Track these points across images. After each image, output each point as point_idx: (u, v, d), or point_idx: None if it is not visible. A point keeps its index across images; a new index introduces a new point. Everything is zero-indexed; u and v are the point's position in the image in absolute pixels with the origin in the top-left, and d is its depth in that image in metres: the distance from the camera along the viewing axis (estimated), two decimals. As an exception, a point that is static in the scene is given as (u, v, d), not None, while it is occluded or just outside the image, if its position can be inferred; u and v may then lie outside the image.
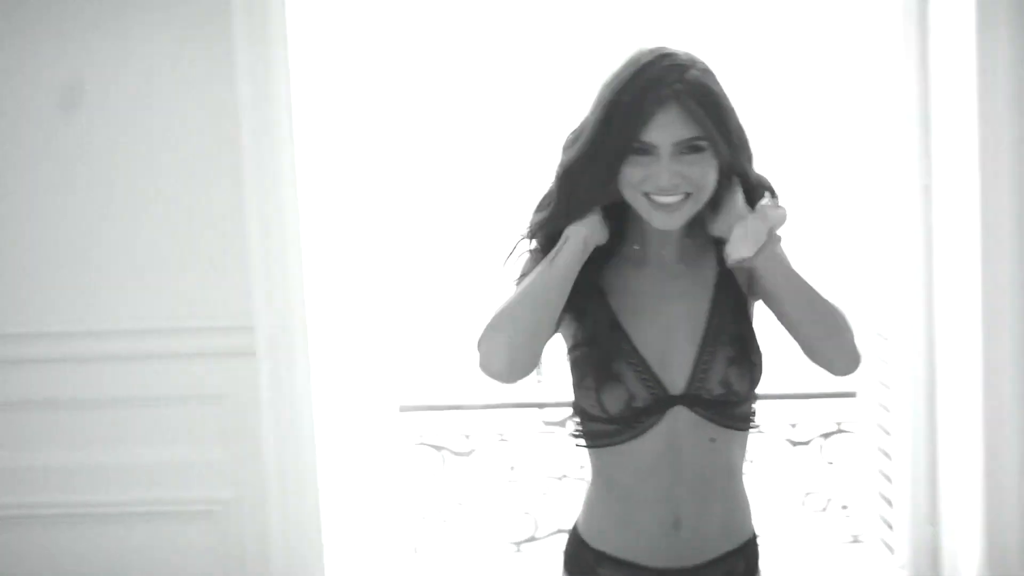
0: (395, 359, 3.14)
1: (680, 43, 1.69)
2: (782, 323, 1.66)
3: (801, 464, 3.37)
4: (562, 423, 3.38)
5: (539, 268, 1.60)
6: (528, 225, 1.68)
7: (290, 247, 2.72)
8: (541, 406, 3.51)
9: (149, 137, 2.81)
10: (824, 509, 3.33)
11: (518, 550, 3.49)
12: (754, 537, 1.75)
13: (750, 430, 1.68)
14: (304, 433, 2.78)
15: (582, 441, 1.69)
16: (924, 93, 2.77)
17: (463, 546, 3.51)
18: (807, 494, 3.35)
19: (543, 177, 1.75)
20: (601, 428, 1.65)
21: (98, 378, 2.90)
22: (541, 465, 3.52)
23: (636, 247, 1.69)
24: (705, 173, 1.58)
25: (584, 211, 1.61)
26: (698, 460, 1.65)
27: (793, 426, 3.36)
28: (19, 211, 2.88)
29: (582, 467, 2.88)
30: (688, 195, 1.58)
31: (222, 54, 2.70)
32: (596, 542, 1.72)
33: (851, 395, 3.14)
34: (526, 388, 3.85)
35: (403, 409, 3.27)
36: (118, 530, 2.95)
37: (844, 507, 3.31)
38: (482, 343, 1.59)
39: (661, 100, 1.55)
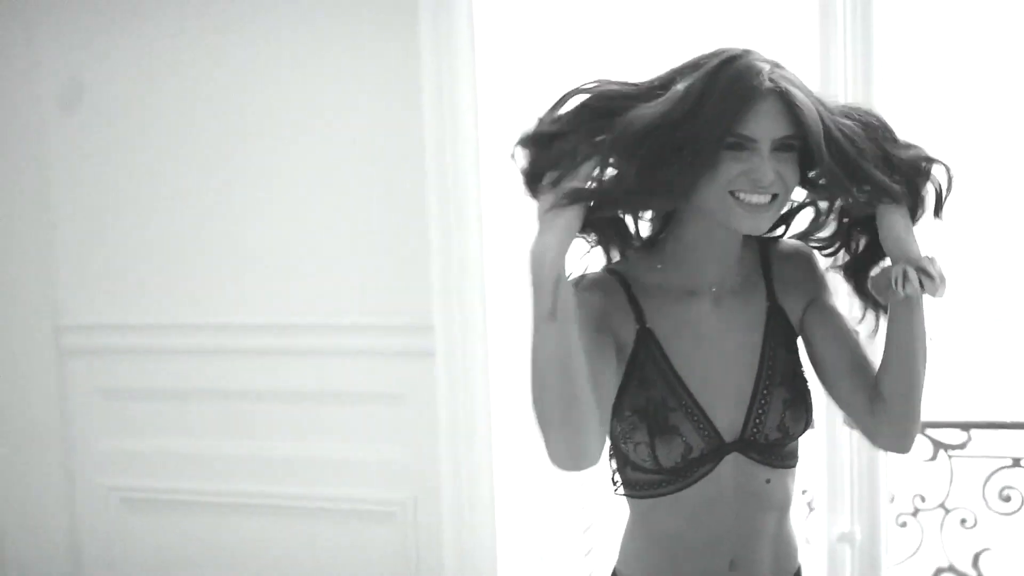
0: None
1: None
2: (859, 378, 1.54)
3: None
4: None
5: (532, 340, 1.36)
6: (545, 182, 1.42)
7: (470, 247, 2.68)
8: None
9: (337, 137, 2.83)
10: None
11: None
12: (799, 570, 1.68)
13: (794, 464, 1.60)
14: (480, 435, 2.73)
15: (622, 490, 1.59)
16: None
17: None
18: None
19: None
20: (648, 479, 1.54)
21: (284, 371, 2.96)
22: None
23: (659, 266, 1.52)
24: (795, 175, 1.45)
25: (643, 207, 1.48)
26: (751, 502, 1.56)
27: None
28: (216, 210, 2.97)
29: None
30: (775, 197, 1.43)
31: (407, 52, 2.68)
32: None
33: None
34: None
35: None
36: (299, 523, 3.01)
37: None
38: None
39: (763, 91, 1.39)
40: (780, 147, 1.42)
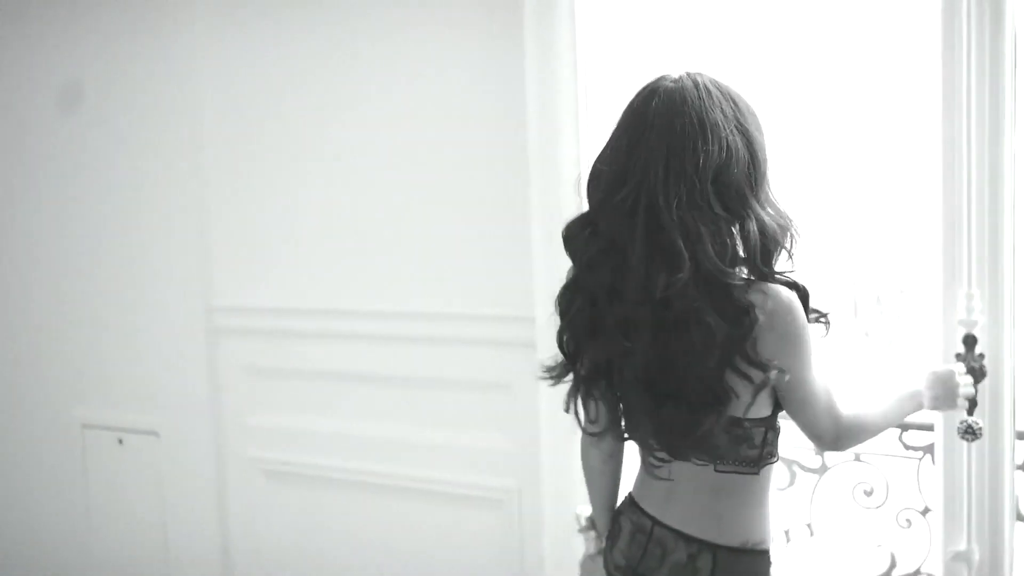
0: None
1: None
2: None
3: None
4: (925, 448, 2.94)
5: (901, 407, 2.13)
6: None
7: None
8: (904, 427, 3.05)
9: (450, 138, 2.95)
10: None
11: None
12: None
13: None
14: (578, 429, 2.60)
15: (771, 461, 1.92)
16: None
17: (805, 573, 3.22)
18: None
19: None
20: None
21: (406, 357, 3.11)
22: (900, 493, 3.05)
23: None
24: None
25: None
26: None
27: None
28: (349, 204, 3.16)
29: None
30: None
31: (511, 46, 2.75)
32: (767, 543, 1.96)
33: None
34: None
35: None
36: (415, 504, 3.15)
37: None
38: (849, 445, 2.00)
39: None
40: None
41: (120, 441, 3.62)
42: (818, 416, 1.91)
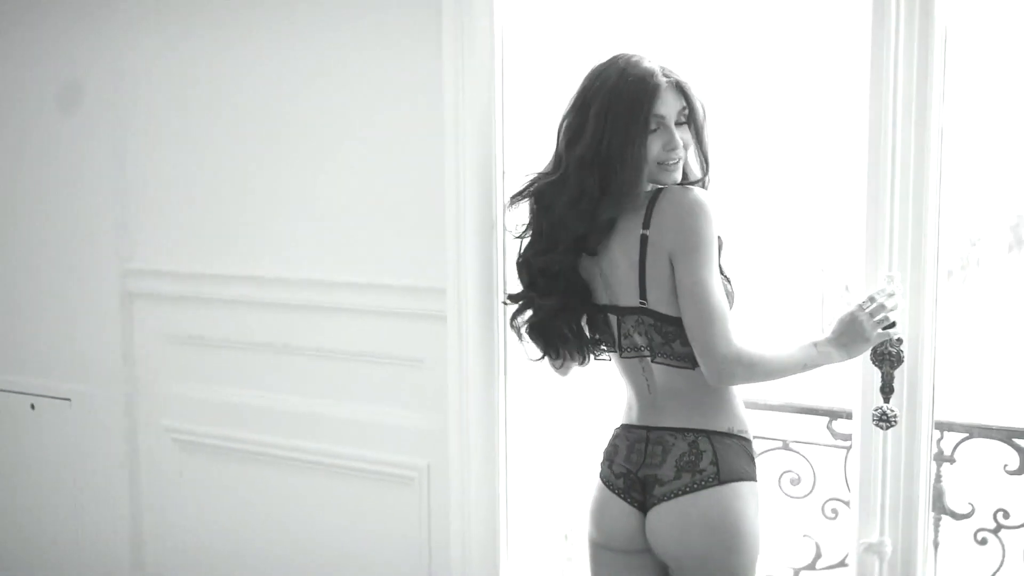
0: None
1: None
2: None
3: None
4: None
5: (803, 358, 2.14)
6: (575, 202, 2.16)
7: (488, 209, 2.67)
8: (832, 415, 3.00)
9: (359, 106, 2.91)
10: None
11: None
12: None
13: None
14: (489, 405, 2.71)
15: None
16: None
17: None
18: None
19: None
20: None
21: (320, 328, 3.04)
22: (827, 483, 3.01)
23: None
24: (689, 137, 2.19)
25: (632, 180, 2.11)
26: None
27: None
28: (270, 170, 3.10)
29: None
30: (682, 157, 2.17)
31: (429, 27, 2.72)
32: (746, 428, 2.23)
33: None
34: (814, 392, 3.34)
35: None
36: (325, 480, 3.09)
37: None
38: (737, 373, 2.08)
39: (660, 84, 2.12)
40: (680, 120, 2.16)
41: (32, 406, 3.55)
42: (713, 334, 2.06)
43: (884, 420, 2.37)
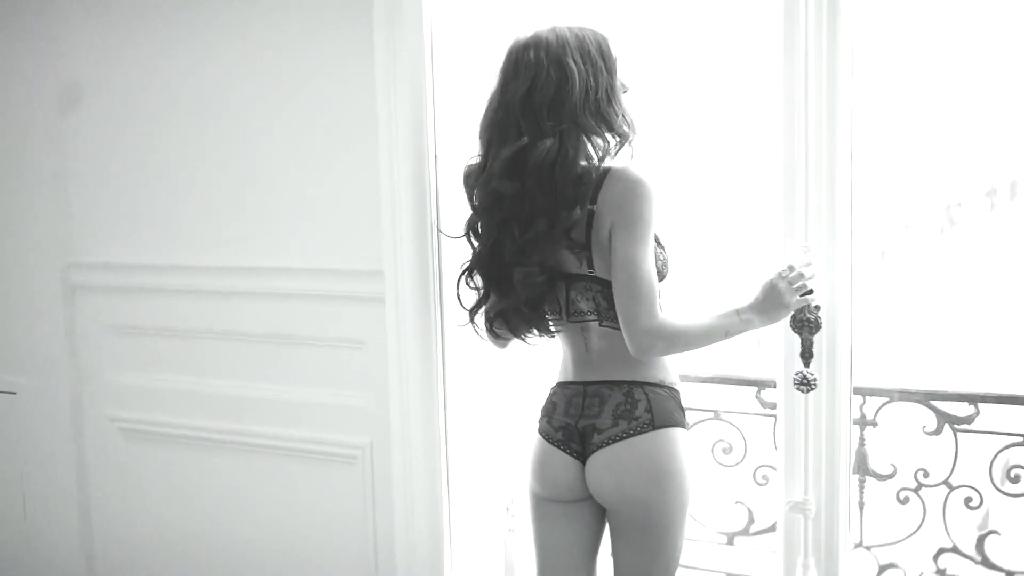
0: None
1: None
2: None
3: None
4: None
5: (726, 325, 2.23)
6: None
7: (422, 193, 2.71)
8: (760, 385, 3.11)
9: (295, 95, 2.96)
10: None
11: (730, 542, 3.25)
12: None
13: None
14: (429, 383, 2.76)
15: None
16: None
17: None
18: None
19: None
20: None
21: (250, 313, 3.09)
22: (757, 450, 3.13)
23: None
24: None
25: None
26: None
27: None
28: (208, 160, 3.13)
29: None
30: None
31: (361, 14, 2.75)
32: (677, 381, 2.37)
33: None
34: (743, 363, 3.46)
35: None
36: (272, 462, 3.14)
37: None
38: (657, 346, 2.18)
39: None
40: None
41: (-23, 400, 3.57)
42: (638, 308, 2.15)
43: (804, 384, 2.49)
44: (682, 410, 2.33)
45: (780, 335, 2.62)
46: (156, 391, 3.30)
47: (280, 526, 3.16)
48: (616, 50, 2.25)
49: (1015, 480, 2.85)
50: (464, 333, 2.70)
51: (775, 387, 2.87)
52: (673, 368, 2.35)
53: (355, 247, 2.88)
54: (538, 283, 2.22)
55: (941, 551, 2.95)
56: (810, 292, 2.39)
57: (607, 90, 2.21)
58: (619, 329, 2.23)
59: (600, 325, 2.29)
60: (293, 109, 2.96)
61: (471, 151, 2.39)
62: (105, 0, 3.24)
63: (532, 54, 2.18)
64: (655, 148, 2.45)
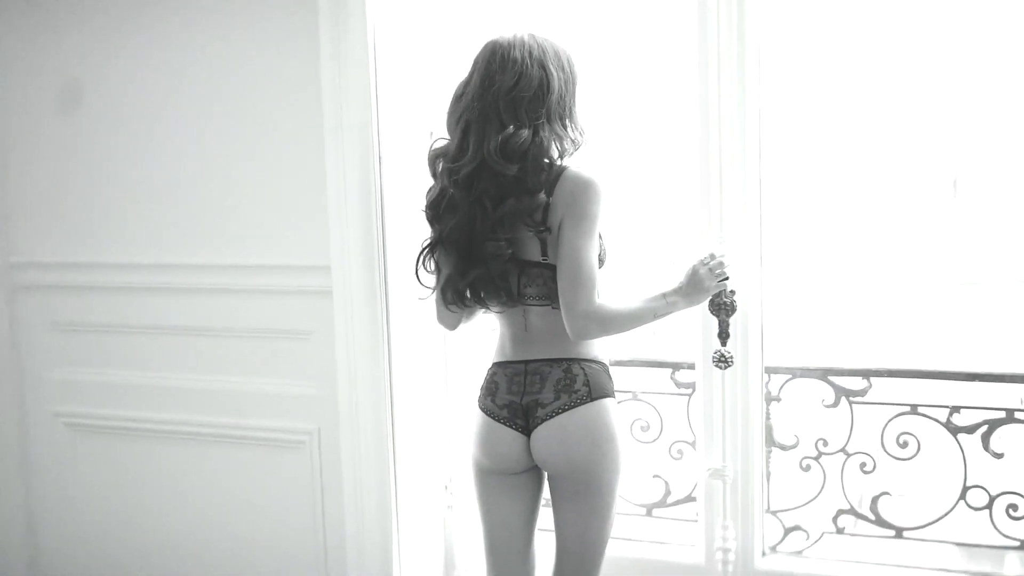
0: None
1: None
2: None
3: (962, 454, 3.13)
4: (693, 386, 3.24)
5: (654, 307, 2.48)
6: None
7: (367, 192, 2.87)
8: (675, 367, 3.35)
9: (241, 94, 3.09)
10: (986, 507, 3.07)
11: (648, 514, 3.43)
12: None
13: None
14: (376, 371, 2.92)
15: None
16: None
17: None
18: (967, 488, 3.10)
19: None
20: None
21: (209, 309, 3.22)
22: (672, 428, 3.36)
23: None
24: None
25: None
26: None
27: (955, 410, 3.09)
28: (127, 159, 3.27)
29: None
30: None
31: (308, 16, 2.91)
32: (607, 357, 2.58)
33: None
34: (659, 347, 3.70)
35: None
36: (221, 450, 3.28)
37: (1012, 507, 3.02)
38: (592, 329, 2.41)
39: None
40: None
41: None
42: (578, 295, 2.38)
43: (722, 361, 2.75)
44: (612, 381, 2.56)
45: (698, 318, 2.88)
46: (101, 385, 3.40)
47: (228, 512, 3.30)
48: (578, 68, 2.48)
49: (904, 446, 3.13)
50: (408, 323, 2.90)
51: (690, 368, 3.15)
52: (602, 345, 2.58)
53: (302, 244, 3.03)
54: (506, 255, 2.41)
55: (840, 512, 3.20)
56: (727, 278, 2.65)
57: (572, 99, 2.45)
58: (557, 309, 2.46)
59: (552, 308, 2.49)
60: (242, 112, 3.09)
61: (414, 152, 2.59)
62: (36, 1, 3.31)
63: (518, 53, 2.39)
64: (595, 148, 2.66)
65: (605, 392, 2.52)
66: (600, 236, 2.49)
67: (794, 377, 3.18)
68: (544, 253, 2.46)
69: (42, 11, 3.31)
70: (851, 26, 2.91)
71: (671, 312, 2.54)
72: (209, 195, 3.17)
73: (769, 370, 3.09)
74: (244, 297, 3.14)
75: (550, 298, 2.49)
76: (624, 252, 2.96)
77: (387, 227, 2.87)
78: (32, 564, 3.59)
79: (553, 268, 2.46)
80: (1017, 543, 3.00)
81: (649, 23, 3.07)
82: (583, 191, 2.40)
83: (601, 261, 2.49)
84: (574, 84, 2.47)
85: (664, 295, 2.53)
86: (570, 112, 2.46)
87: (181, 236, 3.22)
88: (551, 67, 2.42)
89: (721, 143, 2.81)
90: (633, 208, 3.28)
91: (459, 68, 2.61)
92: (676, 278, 2.60)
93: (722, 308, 2.71)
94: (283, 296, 3.09)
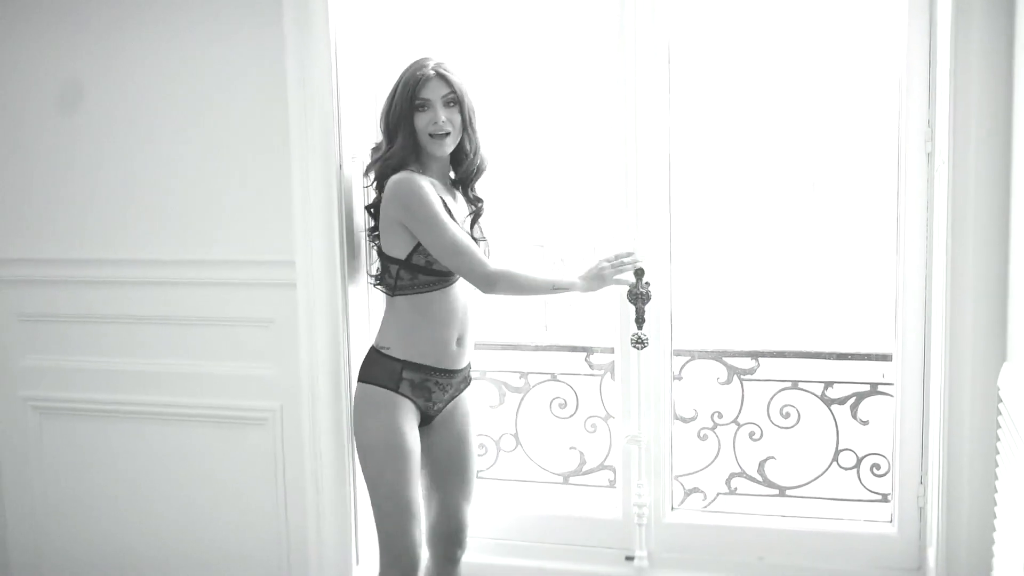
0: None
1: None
2: None
3: (834, 423, 3.53)
4: (606, 367, 3.64)
5: (553, 280, 2.92)
6: (373, 163, 2.93)
7: (331, 192, 3.13)
8: (589, 350, 3.72)
9: (208, 94, 3.31)
10: (855, 467, 3.49)
11: (565, 481, 3.80)
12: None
13: None
14: (334, 357, 3.19)
15: (411, 290, 2.87)
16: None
17: (516, 475, 3.84)
18: (839, 452, 3.52)
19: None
20: (434, 279, 2.86)
21: (176, 300, 3.46)
22: (587, 404, 3.75)
23: (420, 170, 2.88)
24: (456, 117, 2.87)
25: (407, 147, 2.87)
26: (471, 300, 2.96)
27: (829, 385, 3.53)
28: (119, 162, 3.45)
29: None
30: (450, 132, 2.86)
31: (273, 17, 3.13)
32: (401, 354, 2.90)
33: (887, 357, 3.37)
34: (574, 333, 4.07)
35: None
36: (188, 429, 3.51)
37: (875, 466, 3.46)
38: (499, 285, 2.80)
39: (428, 75, 2.84)
40: (447, 102, 2.85)
41: None
42: (463, 263, 2.79)
43: (640, 342, 3.19)
44: (379, 366, 2.92)
45: (617, 305, 3.32)
46: (70, 371, 3.60)
47: (194, 487, 3.53)
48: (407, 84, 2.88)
49: (786, 416, 3.55)
50: (364, 311, 3.24)
51: (603, 352, 3.56)
52: (401, 339, 2.92)
53: (268, 240, 3.30)
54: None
55: (732, 475, 3.61)
56: (641, 272, 3.09)
57: (395, 113, 2.90)
58: (391, 297, 2.91)
59: (388, 296, 2.94)
60: (210, 115, 3.31)
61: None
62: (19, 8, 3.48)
63: (454, 75, 2.87)
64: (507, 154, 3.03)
65: (363, 376, 2.93)
66: (482, 233, 3.02)
67: (693, 359, 3.58)
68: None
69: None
70: (744, 44, 3.39)
71: (569, 290, 2.97)
72: (177, 193, 3.39)
73: (673, 352, 3.51)
74: (213, 289, 3.40)
75: (383, 283, 2.94)
76: (557, 240, 3.36)
77: (347, 225, 3.16)
78: (2, 540, 3.78)
79: (386, 256, 2.89)
80: (879, 496, 3.47)
81: (576, 43, 3.48)
82: (391, 193, 2.81)
83: (477, 238, 2.99)
84: (399, 97, 2.84)
85: (566, 273, 2.98)
86: (392, 124, 2.87)
87: (149, 232, 3.44)
88: (393, 85, 2.87)
89: (638, 162, 3.26)
90: (568, 203, 3.68)
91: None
92: (585, 266, 3.05)
93: (639, 297, 3.15)
94: (249, 288, 3.36)
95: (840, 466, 3.54)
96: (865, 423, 3.52)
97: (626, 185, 3.29)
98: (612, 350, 3.50)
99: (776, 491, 3.59)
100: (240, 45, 3.27)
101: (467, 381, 3.10)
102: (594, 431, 3.71)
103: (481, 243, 3.00)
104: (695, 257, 3.49)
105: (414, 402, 2.92)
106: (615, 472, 3.58)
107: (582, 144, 3.61)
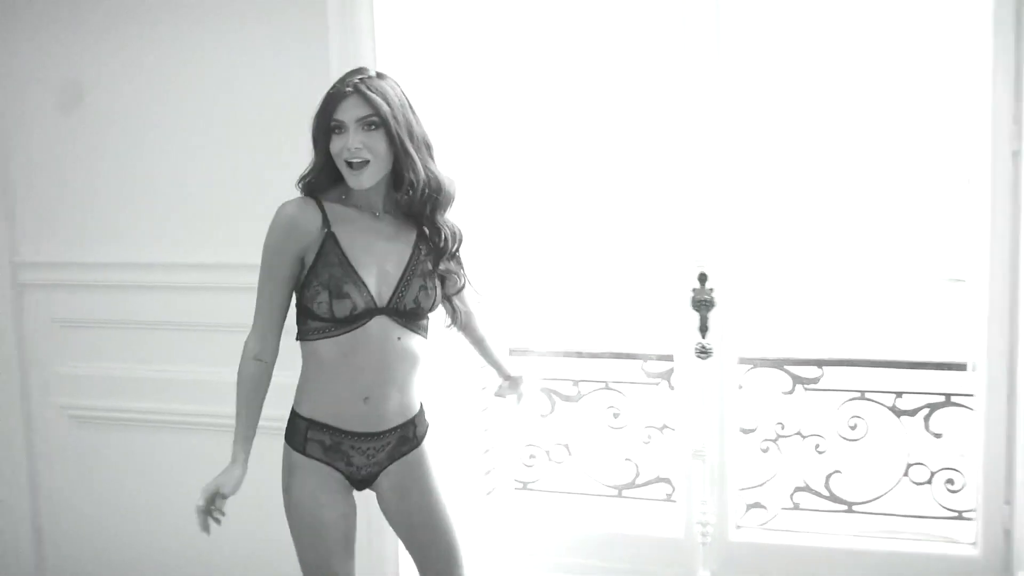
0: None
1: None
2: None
3: (905, 435, 3.41)
4: (662, 375, 3.50)
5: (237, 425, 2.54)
6: (302, 180, 2.43)
7: None
8: (645, 358, 3.60)
9: (234, 106, 3.25)
10: (928, 482, 3.36)
11: (619, 495, 3.66)
12: (421, 410, 2.54)
13: (423, 336, 2.46)
14: None
15: (306, 335, 2.41)
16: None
17: (568, 487, 3.72)
18: (910, 466, 3.41)
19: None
20: (323, 325, 2.38)
21: (193, 304, 3.39)
22: (643, 414, 3.62)
23: (343, 196, 2.42)
24: (383, 145, 2.32)
25: (325, 170, 2.38)
26: (387, 351, 2.39)
27: (899, 395, 3.39)
28: (147, 170, 3.39)
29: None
30: (369, 161, 2.31)
31: (316, 27, 3.07)
32: (306, 412, 2.48)
33: (962, 367, 3.25)
34: (630, 340, 3.96)
35: (512, 352, 3.49)
36: (207, 437, 3.30)
37: (950, 481, 3.32)
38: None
39: (345, 92, 2.31)
40: (367, 125, 2.31)
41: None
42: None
43: (703, 352, 3.04)
44: (292, 430, 2.52)
45: (677, 312, 3.18)
46: (104, 379, 3.53)
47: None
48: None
49: (853, 428, 3.43)
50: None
51: (660, 360, 3.43)
52: (305, 393, 2.49)
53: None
54: None
55: (796, 489, 3.50)
56: (703, 277, 2.92)
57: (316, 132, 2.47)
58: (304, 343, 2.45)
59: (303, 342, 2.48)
60: (253, 119, 3.24)
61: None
62: (47, 11, 3.43)
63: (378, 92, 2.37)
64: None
65: (287, 438, 2.54)
66: (460, 263, 2.57)
67: (755, 367, 3.46)
68: None
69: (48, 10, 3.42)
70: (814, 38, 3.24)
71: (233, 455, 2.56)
72: (207, 196, 3.32)
73: (743, 360, 3.37)
74: (243, 294, 3.28)
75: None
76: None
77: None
78: (38, 549, 3.72)
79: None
80: (955, 514, 3.31)
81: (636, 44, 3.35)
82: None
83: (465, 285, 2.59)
84: (316, 115, 2.35)
85: (240, 444, 2.57)
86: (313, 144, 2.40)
87: (181, 236, 3.37)
88: None
89: (705, 166, 3.15)
90: (629, 207, 3.55)
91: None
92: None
93: (703, 304, 3.00)
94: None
95: (912, 481, 3.38)
96: (938, 436, 3.37)
97: (692, 189, 3.15)
98: (670, 358, 3.36)
99: (844, 507, 3.44)
100: (278, 52, 3.20)
101: (410, 442, 2.53)
102: (649, 442, 3.59)
103: (448, 281, 2.55)
104: (758, 262, 3.35)
105: (332, 465, 2.48)
106: (672, 485, 3.45)
107: (644, 147, 3.47)
